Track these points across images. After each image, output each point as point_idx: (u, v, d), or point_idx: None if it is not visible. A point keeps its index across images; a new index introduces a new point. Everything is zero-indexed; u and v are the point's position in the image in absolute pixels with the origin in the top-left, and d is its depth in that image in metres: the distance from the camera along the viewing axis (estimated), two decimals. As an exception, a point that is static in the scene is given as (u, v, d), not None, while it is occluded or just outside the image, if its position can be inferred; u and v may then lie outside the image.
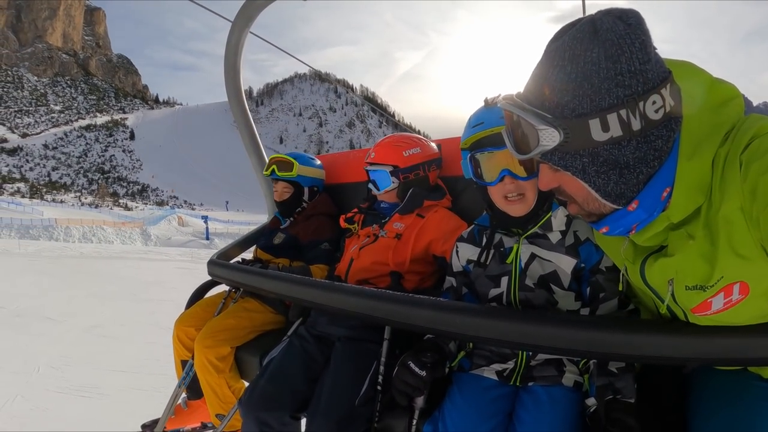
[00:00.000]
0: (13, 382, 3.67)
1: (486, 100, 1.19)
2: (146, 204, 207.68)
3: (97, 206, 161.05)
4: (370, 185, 1.84)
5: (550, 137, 0.73)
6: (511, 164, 1.14)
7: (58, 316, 5.90)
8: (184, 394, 2.13)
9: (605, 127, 0.71)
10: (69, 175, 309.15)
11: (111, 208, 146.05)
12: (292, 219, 2.31)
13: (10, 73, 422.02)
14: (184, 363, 2.02)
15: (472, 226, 1.37)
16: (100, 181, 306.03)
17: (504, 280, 1.20)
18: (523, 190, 1.16)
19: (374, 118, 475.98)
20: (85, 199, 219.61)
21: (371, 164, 1.81)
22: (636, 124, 0.71)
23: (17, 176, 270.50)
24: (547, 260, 1.17)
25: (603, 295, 1.13)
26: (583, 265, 1.16)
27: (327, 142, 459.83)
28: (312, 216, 2.25)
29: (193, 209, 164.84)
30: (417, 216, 1.68)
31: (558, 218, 1.18)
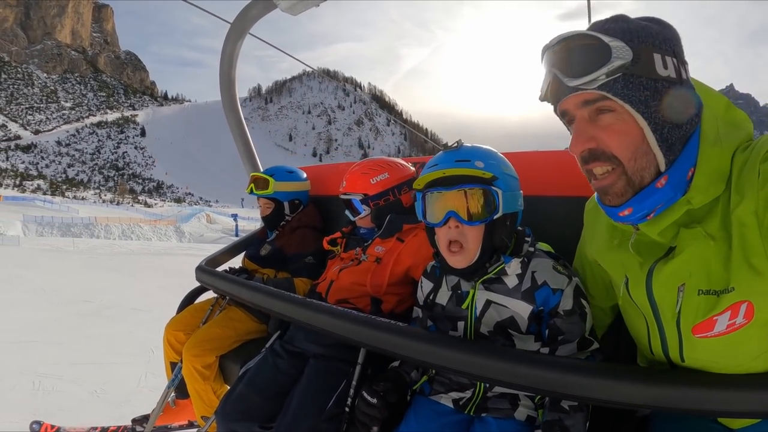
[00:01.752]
0: (136, 362, 4.02)
1: (445, 145, 1.22)
2: (164, 201, 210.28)
3: (118, 203, 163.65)
4: (347, 212, 1.88)
5: (623, 51, 0.74)
6: (457, 207, 1.14)
7: (144, 307, 6.21)
8: (173, 394, 2.23)
9: (665, 65, 0.76)
10: (84, 171, 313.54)
11: (132, 205, 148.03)
12: (277, 231, 2.35)
13: (20, 70, 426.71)
14: (173, 364, 2.13)
15: (433, 262, 1.39)
16: (116, 178, 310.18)
17: (460, 325, 1.21)
18: (465, 238, 1.15)
19: (382, 116, 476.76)
20: (104, 196, 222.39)
21: (344, 194, 1.84)
22: (683, 74, 0.78)
23: (34, 173, 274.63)
24: (503, 306, 1.16)
25: (561, 338, 1.13)
26: (541, 308, 1.16)
27: (336, 140, 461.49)
28: (297, 228, 2.29)
29: (209, 206, 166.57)
30: (397, 240, 1.72)
31: (512, 265, 1.18)
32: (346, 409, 1.31)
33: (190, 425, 2.47)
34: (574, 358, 1.11)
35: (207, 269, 1.95)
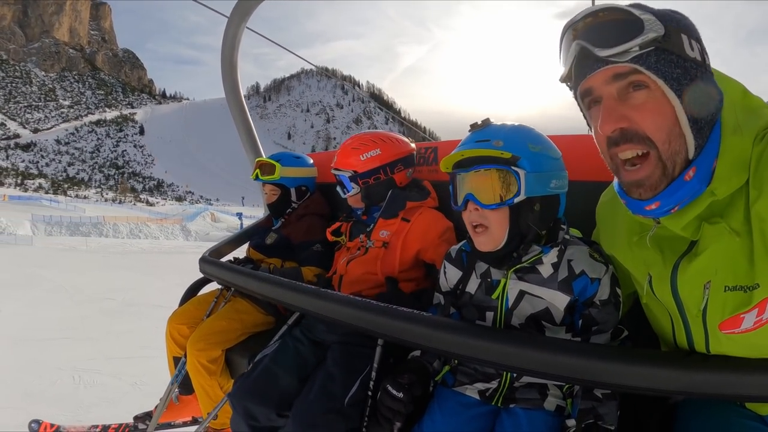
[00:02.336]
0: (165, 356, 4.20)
1: (473, 125, 1.15)
2: (165, 199, 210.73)
3: (120, 202, 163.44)
4: (338, 189, 1.78)
5: (655, 25, 0.73)
6: (474, 189, 1.09)
7: (165, 303, 6.06)
8: (176, 390, 2.16)
9: (691, 47, 0.75)
10: (85, 170, 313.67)
11: (134, 204, 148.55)
12: (284, 219, 2.27)
13: (18, 68, 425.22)
14: (176, 359, 2.04)
15: (462, 242, 1.30)
16: (116, 177, 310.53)
17: (489, 316, 1.15)
18: (486, 221, 1.09)
19: (381, 114, 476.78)
20: (106, 194, 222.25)
21: (335, 169, 1.74)
22: (707, 59, 0.78)
23: (35, 172, 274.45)
24: (538, 297, 1.10)
25: (596, 328, 1.09)
26: (576, 298, 1.10)
27: (335, 138, 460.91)
28: (304, 216, 2.21)
29: (210, 204, 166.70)
30: (402, 220, 1.61)
31: (550, 255, 1.10)
32: (369, 393, 1.27)
33: (194, 421, 2.43)
34: (610, 345, 1.08)
35: (211, 260, 1.88)
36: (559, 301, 1.09)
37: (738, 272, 0.80)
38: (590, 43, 0.77)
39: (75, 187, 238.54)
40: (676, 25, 0.75)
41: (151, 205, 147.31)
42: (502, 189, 1.05)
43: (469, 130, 1.14)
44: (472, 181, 1.09)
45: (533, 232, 1.10)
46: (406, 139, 1.81)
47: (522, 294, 1.11)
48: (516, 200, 1.05)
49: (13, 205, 69.35)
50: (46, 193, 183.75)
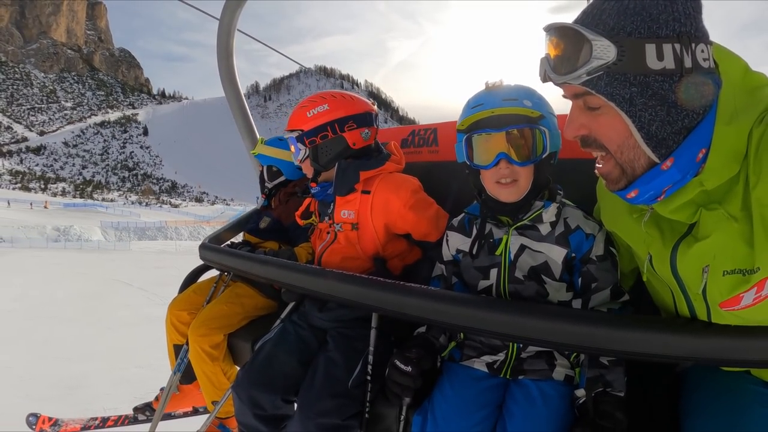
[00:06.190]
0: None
1: (487, 84, 1.18)
2: (185, 201, 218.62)
3: (147, 204, 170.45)
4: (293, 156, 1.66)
5: (604, 50, 0.71)
6: (507, 148, 1.11)
7: None
8: (177, 380, 2.14)
9: (660, 56, 0.71)
10: (99, 173, 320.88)
11: (160, 206, 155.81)
12: (275, 202, 2.30)
13: (17, 69, 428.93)
14: (176, 348, 2.04)
15: (462, 215, 1.34)
16: (131, 179, 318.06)
17: (493, 272, 1.19)
18: (518, 176, 1.13)
19: (380, 113, 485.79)
20: (130, 197, 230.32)
21: (288, 131, 1.60)
22: (688, 62, 0.72)
23: (52, 176, 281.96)
24: (537, 251, 1.16)
25: (595, 285, 1.13)
26: (573, 254, 1.15)
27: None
28: (291, 196, 2.22)
29: (227, 205, 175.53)
30: (362, 193, 1.49)
31: (549, 212, 1.17)
32: (368, 378, 1.28)
33: (195, 411, 2.42)
34: (615, 313, 1.10)
35: (211, 246, 1.87)
36: (556, 254, 1.15)
37: (736, 257, 0.80)
38: (549, 64, 0.80)
39: (98, 190, 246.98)
40: (644, 31, 0.71)
41: (176, 206, 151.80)
42: (533, 147, 1.11)
43: (485, 89, 1.18)
44: (505, 141, 1.11)
45: (548, 183, 1.19)
46: (364, 100, 1.65)
47: (523, 248, 1.17)
48: (544, 156, 1.13)
49: (70, 212, 69.65)
50: (73, 197, 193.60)
